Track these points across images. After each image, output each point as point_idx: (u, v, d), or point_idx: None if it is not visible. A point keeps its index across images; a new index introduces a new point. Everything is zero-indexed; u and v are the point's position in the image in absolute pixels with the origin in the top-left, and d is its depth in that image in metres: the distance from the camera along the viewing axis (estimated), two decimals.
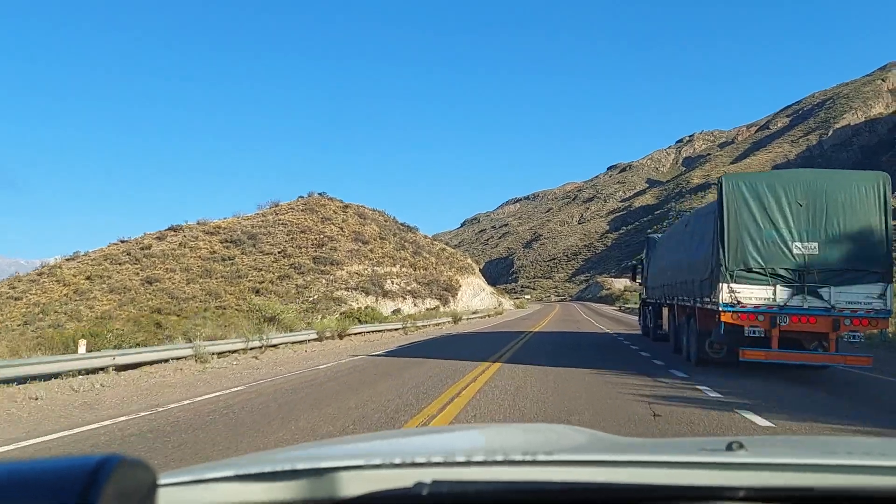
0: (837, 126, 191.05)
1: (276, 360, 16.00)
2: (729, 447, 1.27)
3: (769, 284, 12.94)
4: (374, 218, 60.09)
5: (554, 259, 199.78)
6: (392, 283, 47.23)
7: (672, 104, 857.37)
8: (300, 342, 21.30)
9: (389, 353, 17.80)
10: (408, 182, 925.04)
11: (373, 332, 28.19)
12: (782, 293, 12.93)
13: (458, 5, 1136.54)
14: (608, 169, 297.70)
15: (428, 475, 1.12)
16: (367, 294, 43.42)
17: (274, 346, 19.04)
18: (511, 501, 1.16)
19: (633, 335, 28.23)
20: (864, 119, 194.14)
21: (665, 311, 22.10)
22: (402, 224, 65.33)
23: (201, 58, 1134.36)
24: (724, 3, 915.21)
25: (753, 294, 12.98)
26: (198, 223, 52.90)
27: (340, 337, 24.16)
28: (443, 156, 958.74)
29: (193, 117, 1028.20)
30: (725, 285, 12.99)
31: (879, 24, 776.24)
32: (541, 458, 1.16)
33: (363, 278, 45.88)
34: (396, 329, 30.55)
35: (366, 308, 33.59)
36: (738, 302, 12.93)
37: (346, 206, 58.46)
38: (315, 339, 22.37)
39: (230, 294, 44.33)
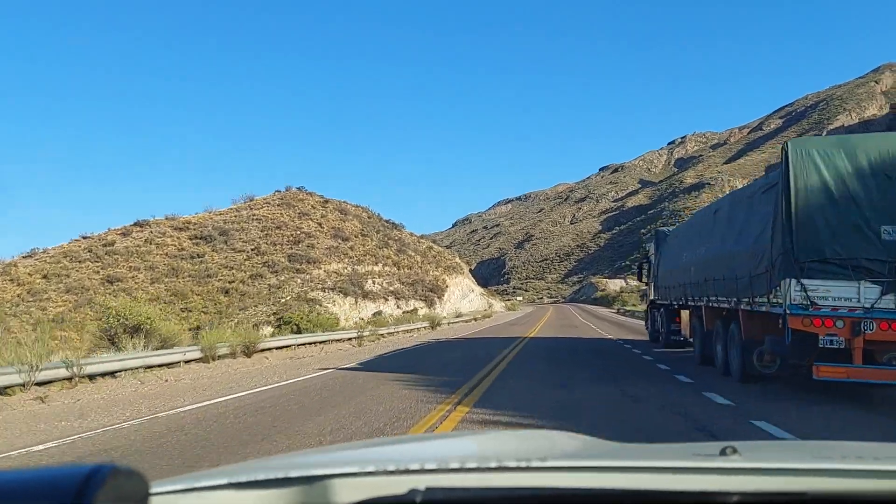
0: (831, 127, 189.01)
1: (66, 409, 9.92)
2: (723, 452, 1.27)
3: (851, 280, 9.63)
4: (356, 214, 56.53)
5: (546, 260, 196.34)
6: (373, 283, 43.72)
7: (664, 105, 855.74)
8: (171, 365, 14.91)
9: (285, 390, 11.64)
10: (399, 182, 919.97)
11: (310, 343, 21.97)
12: (868, 292, 9.62)
13: (452, 5, 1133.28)
14: (600, 170, 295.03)
15: (422, 482, 1.11)
16: (346, 295, 39.88)
17: (110, 373, 12.89)
18: None
19: (640, 342, 24.97)
20: (857, 121, 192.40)
21: (685, 314, 18.82)
22: (386, 221, 61.78)
23: (184, 52, 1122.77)
24: (716, 4, 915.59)
25: (831, 293, 9.66)
26: (166, 218, 49.22)
27: (247, 354, 18.10)
28: (434, 156, 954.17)
29: (173, 112, 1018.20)
30: (793, 281, 9.64)
31: (873, 26, 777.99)
32: (535, 464, 1.16)
33: (342, 278, 42.33)
34: (350, 339, 24.12)
35: (309, 312, 28.30)
36: (812, 303, 9.60)
37: (326, 202, 54.85)
38: (199, 360, 16.13)
39: (197, 294, 40.73)
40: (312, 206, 52.66)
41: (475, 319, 47.21)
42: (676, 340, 20.17)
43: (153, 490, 0.89)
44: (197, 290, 41.05)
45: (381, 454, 1.73)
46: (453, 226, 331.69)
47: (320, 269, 43.14)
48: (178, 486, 1.12)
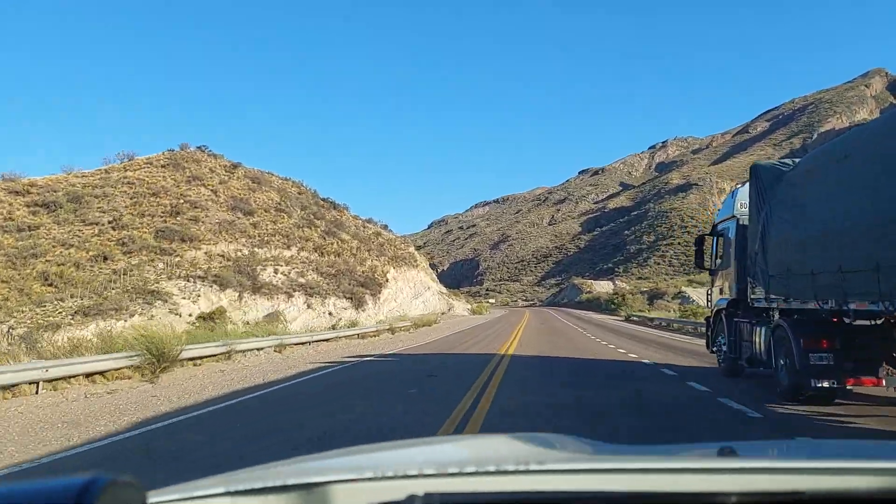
0: (822, 130, 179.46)
1: None
2: (721, 452, 1.26)
3: None
4: (279, 187, 43.25)
5: (522, 261, 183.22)
6: (276, 271, 30.53)
7: (645, 111, 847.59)
8: None
9: None
10: (378, 185, 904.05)
11: None
12: None
13: (434, 6, 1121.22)
14: (579, 173, 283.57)
15: (420, 487, 1.09)
16: (224, 287, 26.58)
17: None
18: None
19: (700, 371, 12.66)
20: (848, 124, 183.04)
21: None
22: (324, 199, 48.51)
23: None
24: (698, 11, 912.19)
25: None
26: (2, 179, 35.43)
27: None
28: (413, 158, 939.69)
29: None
30: None
31: (857, 33, 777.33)
32: (533, 467, 1.14)
33: (229, 263, 29.08)
34: None
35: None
36: None
37: (235, 167, 41.37)
38: None
39: (3, 281, 27.32)
40: (211, 169, 39.17)
41: (390, 330, 29.34)
42: (824, 389, 8.91)
43: (150, 500, 0.87)
44: (7, 274, 27.51)
45: (380, 460, 1.66)
46: (429, 227, 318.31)
47: (199, 250, 29.77)
48: (175, 496, 1.09)
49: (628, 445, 1.86)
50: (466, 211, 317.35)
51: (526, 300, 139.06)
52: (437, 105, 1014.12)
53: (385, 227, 52.30)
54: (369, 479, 1.11)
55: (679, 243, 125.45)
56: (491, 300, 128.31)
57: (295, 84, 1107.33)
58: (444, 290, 57.45)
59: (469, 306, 59.00)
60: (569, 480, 1.13)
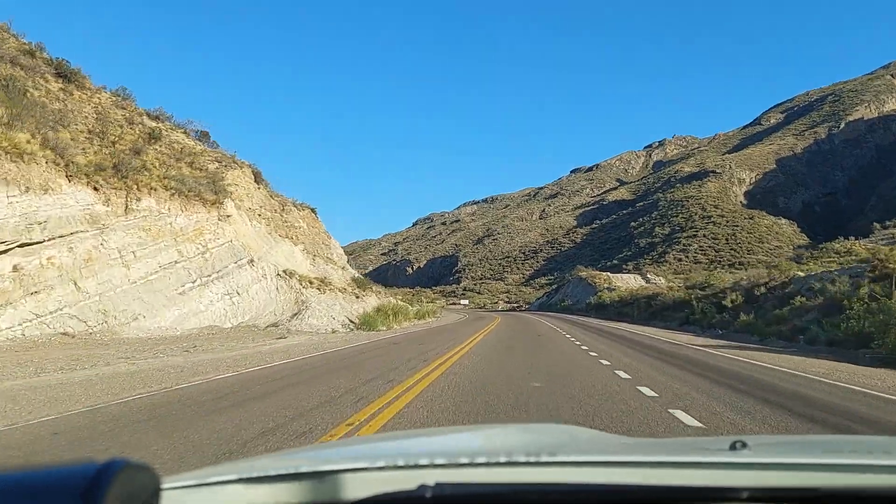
0: (850, 119, 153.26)
1: None
2: (733, 447, 1.23)
3: None
4: None
5: (508, 257, 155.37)
6: None
7: (641, 113, 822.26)
8: None
9: None
10: (369, 183, 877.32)
11: None
12: None
13: (428, 7, 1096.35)
14: (571, 172, 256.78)
15: (431, 477, 1.07)
16: None
17: None
18: (514, 503, 1.10)
19: None
20: (877, 114, 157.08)
21: None
22: (52, 59, 21.39)
23: None
24: (697, 11, 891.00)
25: None
26: None
27: None
28: (408, 158, 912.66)
29: None
30: None
31: (861, 32, 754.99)
32: (544, 458, 1.13)
33: None
34: None
35: None
36: None
37: None
38: None
39: None
40: None
41: None
42: None
43: (164, 485, 0.87)
44: None
45: (391, 449, 1.65)
46: (414, 224, 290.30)
47: None
48: (189, 482, 1.08)
49: (641, 438, 1.47)
50: (454, 209, 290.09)
51: (509, 301, 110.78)
52: (429, 104, 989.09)
53: (196, 135, 25.11)
54: (381, 468, 1.08)
55: (704, 235, 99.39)
56: (464, 301, 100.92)
57: (294, 87, 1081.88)
58: (299, 269, 27.60)
59: (360, 308, 28.70)
60: (580, 473, 1.09)
